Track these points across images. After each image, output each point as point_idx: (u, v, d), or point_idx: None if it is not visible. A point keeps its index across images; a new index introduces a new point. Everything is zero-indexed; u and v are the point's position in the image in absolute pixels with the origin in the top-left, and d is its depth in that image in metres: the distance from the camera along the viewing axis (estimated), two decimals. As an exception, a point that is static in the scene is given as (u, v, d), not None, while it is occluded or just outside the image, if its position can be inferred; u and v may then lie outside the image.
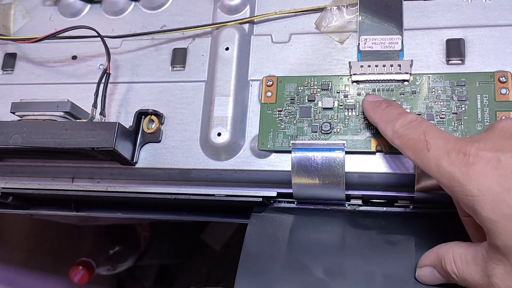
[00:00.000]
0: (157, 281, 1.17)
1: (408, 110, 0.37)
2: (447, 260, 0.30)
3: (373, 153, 0.37)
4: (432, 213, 0.38)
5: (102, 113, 0.41)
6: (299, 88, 0.40)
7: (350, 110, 0.38)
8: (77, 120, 0.40)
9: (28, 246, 0.85)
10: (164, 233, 1.05)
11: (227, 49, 0.42)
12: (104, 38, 0.42)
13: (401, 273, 0.34)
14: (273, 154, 0.39)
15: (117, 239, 0.94)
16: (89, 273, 0.85)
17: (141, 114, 0.41)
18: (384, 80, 0.38)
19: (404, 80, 0.38)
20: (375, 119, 0.35)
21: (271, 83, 0.40)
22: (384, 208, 0.40)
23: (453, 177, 0.27)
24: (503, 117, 0.35)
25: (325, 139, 0.38)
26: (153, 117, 0.41)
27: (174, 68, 0.43)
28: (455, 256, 0.30)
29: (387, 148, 0.37)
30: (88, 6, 0.48)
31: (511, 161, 0.26)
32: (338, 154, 0.36)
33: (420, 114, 0.37)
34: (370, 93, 0.38)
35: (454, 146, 0.28)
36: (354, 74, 0.39)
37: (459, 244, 0.30)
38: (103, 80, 0.41)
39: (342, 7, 0.41)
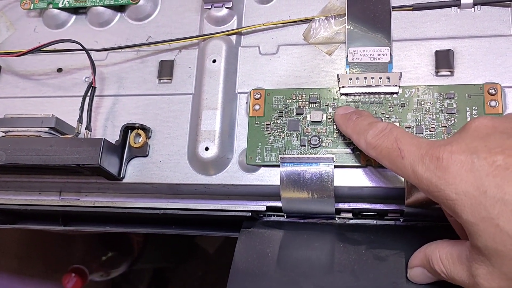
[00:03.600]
0: (151, 285, 1.17)
1: (398, 123, 0.37)
2: (434, 260, 0.30)
3: (362, 166, 0.37)
4: (422, 226, 0.38)
5: (88, 127, 0.40)
6: (287, 101, 0.39)
7: (339, 123, 0.38)
8: (62, 136, 0.39)
9: (20, 253, 0.85)
10: (157, 238, 1.04)
11: (214, 61, 0.41)
12: (89, 51, 0.41)
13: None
14: (262, 168, 0.39)
15: (110, 245, 0.94)
16: (82, 280, 0.85)
17: (127, 128, 0.41)
18: (373, 92, 0.38)
19: (393, 93, 0.37)
20: (348, 132, 0.35)
21: (259, 96, 0.40)
22: (375, 221, 0.39)
23: (430, 182, 0.27)
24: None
25: (314, 153, 0.37)
26: (140, 131, 0.41)
27: (161, 81, 0.43)
28: (441, 255, 0.30)
29: (377, 162, 0.36)
30: (73, 17, 0.47)
31: (485, 162, 0.26)
32: (327, 168, 0.36)
33: (409, 128, 0.36)
34: (359, 106, 0.38)
35: (427, 151, 0.28)
36: (342, 87, 0.38)
37: (445, 243, 0.31)
38: (88, 94, 0.41)
39: (330, 18, 0.41)
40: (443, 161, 0.27)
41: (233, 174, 0.39)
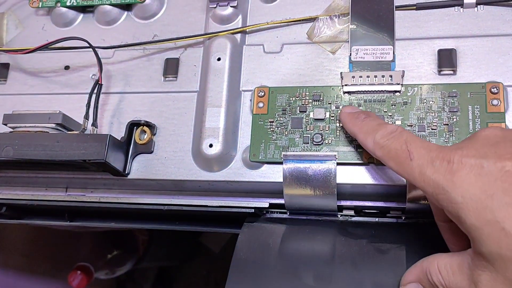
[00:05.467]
0: (156, 284, 1.18)
1: (400, 122, 0.37)
2: (432, 272, 0.30)
3: (365, 164, 0.37)
4: (424, 222, 0.38)
5: (94, 124, 0.41)
6: (291, 98, 0.40)
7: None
8: (69, 132, 0.40)
9: (26, 251, 0.86)
10: (162, 236, 1.05)
11: (219, 59, 0.41)
12: (96, 49, 0.42)
13: (390, 281, 0.34)
14: (265, 165, 0.39)
15: (115, 243, 0.94)
16: (88, 278, 0.85)
17: (133, 125, 0.41)
18: (375, 91, 0.38)
19: (396, 91, 0.38)
20: (354, 130, 0.35)
21: (262, 93, 0.40)
22: (377, 219, 0.40)
23: (437, 184, 0.27)
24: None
25: (316, 151, 0.38)
26: (145, 128, 0.41)
27: (166, 79, 0.43)
28: (440, 266, 0.30)
29: (379, 160, 0.37)
30: (81, 16, 0.48)
31: (494, 167, 0.26)
32: (330, 166, 0.36)
33: (411, 126, 0.37)
34: (362, 104, 0.38)
35: (437, 154, 0.28)
36: (345, 85, 0.39)
37: (443, 255, 0.30)
38: (95, 91, 0.41)
39: (334, 17, 0.41)
40: (453, 164, 0.27)
41: (237, 171, 0.39)
